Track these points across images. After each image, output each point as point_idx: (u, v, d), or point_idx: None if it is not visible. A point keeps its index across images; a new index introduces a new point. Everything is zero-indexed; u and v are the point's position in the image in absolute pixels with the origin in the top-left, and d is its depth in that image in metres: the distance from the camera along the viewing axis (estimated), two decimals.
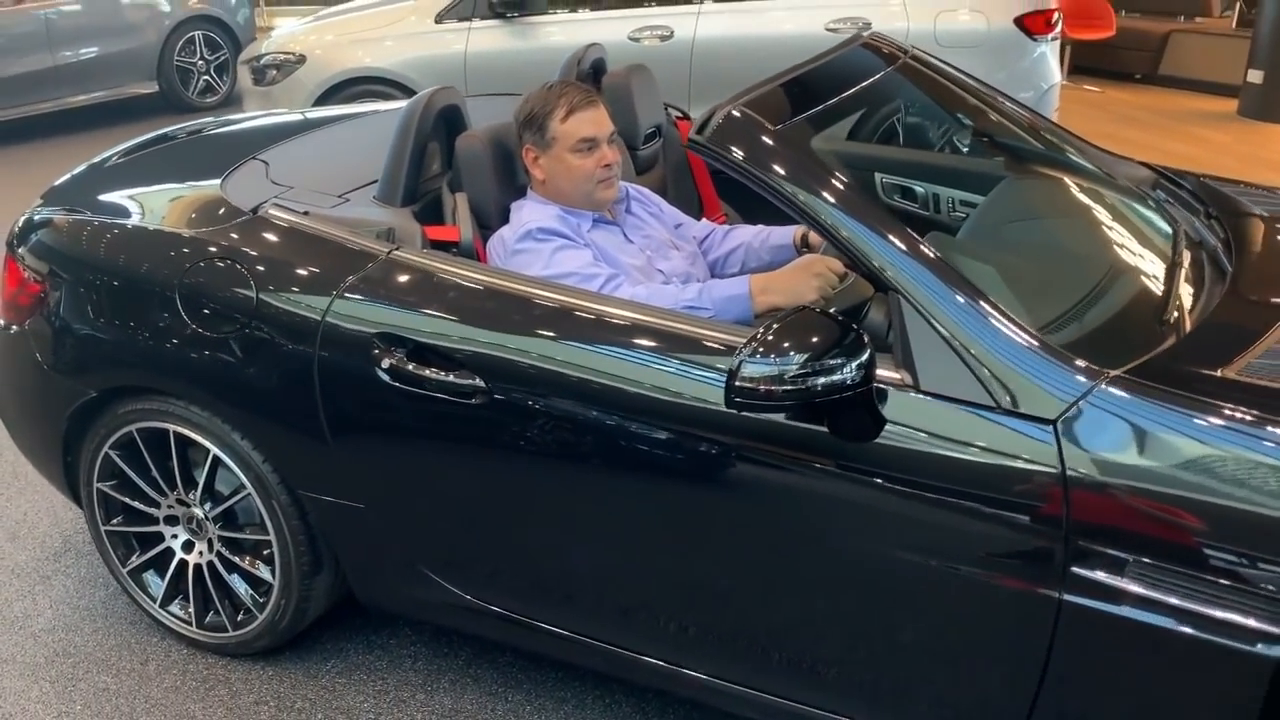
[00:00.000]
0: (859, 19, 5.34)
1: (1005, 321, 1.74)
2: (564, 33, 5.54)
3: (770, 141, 1.90)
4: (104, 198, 2.68)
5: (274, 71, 5.78)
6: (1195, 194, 2.62)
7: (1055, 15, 5.43)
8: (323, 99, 5.61)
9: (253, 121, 3.45)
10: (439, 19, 5.65)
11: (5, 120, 7.53)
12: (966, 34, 5.31)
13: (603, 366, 1.95)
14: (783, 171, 1.87)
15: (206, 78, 8.37)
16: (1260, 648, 1.56)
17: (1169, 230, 2.33)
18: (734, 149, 1.88)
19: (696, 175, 3.16)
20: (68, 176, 2.92)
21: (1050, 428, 1.67)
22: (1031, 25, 5.32)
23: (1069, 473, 1.64)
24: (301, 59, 5.73)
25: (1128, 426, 1.65)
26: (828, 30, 5.30)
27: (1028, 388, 1.69)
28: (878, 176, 3.04)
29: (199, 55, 8.29)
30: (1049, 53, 5.44)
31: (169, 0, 8.08)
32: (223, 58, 8.32)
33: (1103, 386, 1.68)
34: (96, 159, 3.02)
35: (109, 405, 2.45)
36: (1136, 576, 1.62)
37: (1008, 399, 1.70)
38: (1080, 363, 1.72)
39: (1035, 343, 1.73)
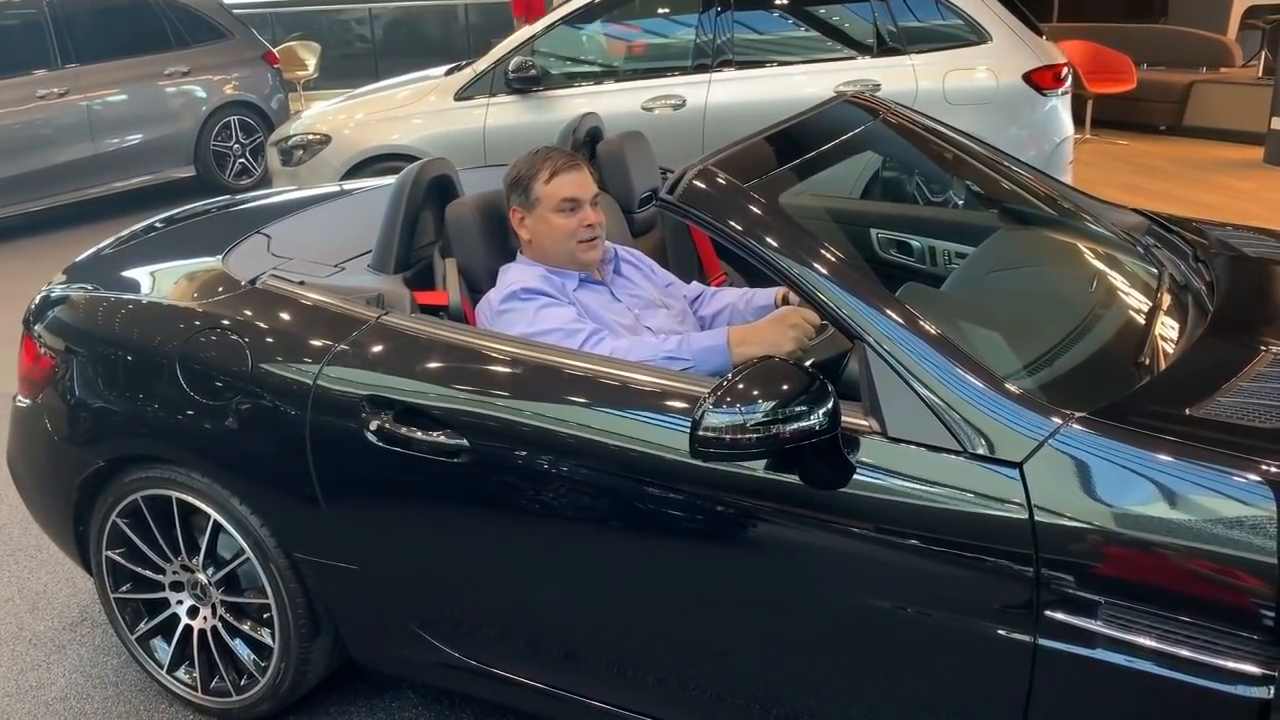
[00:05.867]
0: (868, 81, 5.42)
1: (969, 366, 1.75)
2: (577, 105, 5.65)
3: (736, 198, 1.93)
4: (119, 273, 2.79)
5: (300, 152, 5.96)
6: (1186, 239, 2.61)
7: (1064, 70, 5.47)
8: (347, 177, 5.76)
9: (282, 196, 3.56)
10: (459, 96, 5.81)
11: (52, 207, 7.80)
12: (976, 92, 5.35)
13: (580, 420, 1.98)
14: (748, 226, 1.90)
15: (242, 160, 8.65)
16: (1240, 689, 1.54)
17: (1153, 274, 2.34)
18: (700, 205, 1.92)
19: (695, 237, 3.20)
20: (88, 254, 3.03)
21: (1016, 470, 1.66)
22: (1040, 81, 5.36)
23: (1036, 514, 1.64)
24: (326, 139, 5.91)
25: (1094, 466, 1.64)
26: (837, 93, 5.36)
27: (993, 430, 1.69)
28: (873, 232, 3.07)
29: (234, 139, 8.58)
30: (1060, 107, 5.46)
31: (205, 88, 8.40)
32: (257, 141, 8.59)
33: (1069, 427, 1.68)
34: (119, 237, 3.12)
35: (116, 474, 2.51)
36: (1110, 619, 1.60)
37: (973, 443, 1.70)
38: (1046, 404, 1.72)
39: (999, 386, 1.73)
